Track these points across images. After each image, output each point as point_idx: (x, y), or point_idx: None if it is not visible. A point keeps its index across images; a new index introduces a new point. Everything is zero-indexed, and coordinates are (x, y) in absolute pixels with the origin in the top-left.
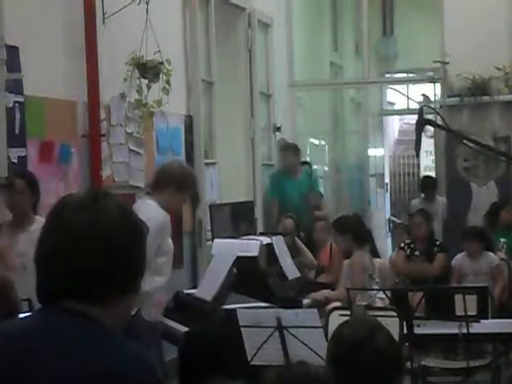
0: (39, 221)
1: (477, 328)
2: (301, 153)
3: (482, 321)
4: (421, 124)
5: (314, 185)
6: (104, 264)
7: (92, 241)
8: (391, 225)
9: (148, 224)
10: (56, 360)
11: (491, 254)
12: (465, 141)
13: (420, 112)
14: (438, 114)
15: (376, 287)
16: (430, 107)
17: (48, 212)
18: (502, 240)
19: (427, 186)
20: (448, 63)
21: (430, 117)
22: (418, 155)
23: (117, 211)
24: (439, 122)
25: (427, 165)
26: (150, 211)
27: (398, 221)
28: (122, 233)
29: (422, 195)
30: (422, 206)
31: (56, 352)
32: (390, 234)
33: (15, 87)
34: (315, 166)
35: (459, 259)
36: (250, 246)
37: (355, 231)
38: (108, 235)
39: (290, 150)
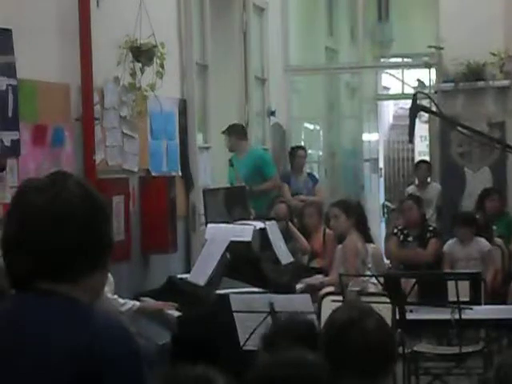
0: None
1: (469, 314)
2: (240, 132)
3: (475, 307)
4: (414, 110)
5: (261, 167)
6: (68, 241)
7: (53, 219)
8: (385, 210)
9: None
10: (39, 342)
11: (482, 239)
12: (458, 127)
13: (414, 98)
14: (432, 99)
15: (369, 273)
16: (424, 93)
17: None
18: (494, 228)
19: (421, 170)
20: (443, 48)
21: (424, 102)
22: (411, 141)
23: (77, 189)
24: (433, 107)
25: (421, 150)
26: None
27: (393, 206)
28: (83, 209)
29: (416, 181)
30: (416, 193)
31: (39, 334)
32: (383, 219)
33: (8, 70)
34: (310, 151)
35: (450, 245)
36: (244, 230)
37: (359, 217)
38: (69, 212)
39: (226, 133)
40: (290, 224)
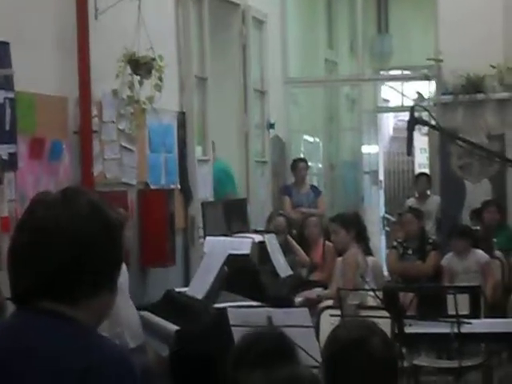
0: None
1: (469, 328)
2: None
3: (474, 320)
4: (412, 124)
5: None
6: (74, 260)
7: (61, 237)
8: (385, 222)
9: None
10: (39, 363)
11: (480, 251)
12: (457, 140)
13: (411, 112)
14: (429, 113)
15: (367, 286)
16: (422, 106)
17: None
18: (494, 240)
19: (421, 183)
20: (442, 61)
21: (424, 115)
22: (409, 154)
23: (86, 206)
24: (431, 120)
25: (421, 162)
26: None
27: (393, 219)
28: (91, 227)
29: (416, 193)
30: (416, 205)
31: (38, 355)
32: (384, 231)
33: (5, 83)
34: (309, 163)
35: (448, 258)
36: (242, 243)
37: (359, 229)
38: (77, 230)
39: None
40: (288, 237)
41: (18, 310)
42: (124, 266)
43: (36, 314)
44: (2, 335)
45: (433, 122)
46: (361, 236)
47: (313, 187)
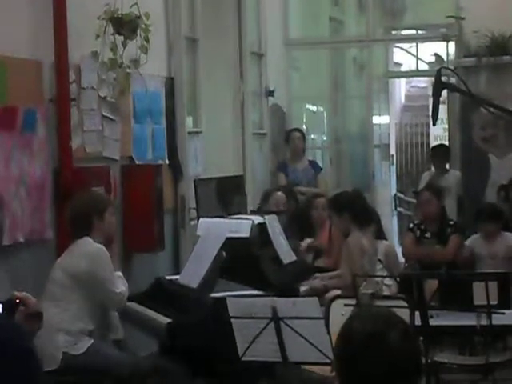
0: None
1: (497, 319)
2: None
3: (507, 311)
4: (438, 88)
5: None
6: None
7: None
8: (397, 202)
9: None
10: None
11: (509, 234)
12: (489, 107)
13: (438, 74)
14: (459, 76)
15: (382, 273)
16: (448, 69)
17: None
18: None
19: (439, 156)
20: (463, 19)
21: (444, 79)
22: (434, 123)
23: None
24: (456, 85)
25: (438, 134)
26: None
27: (406, 198)
28: None
29: (433, 168)
30: (433, 180)
31: None
32: (396, 212)
33: None
34: (312, 136)
35: (473, 241)
36: (241, 225)
37: (354, 210)
38: None
39: None
40: None
41: None
42: (105, 252)
43: None
44: None
45: (458, 87)
46: (359, 217)
47: (312, 162)
